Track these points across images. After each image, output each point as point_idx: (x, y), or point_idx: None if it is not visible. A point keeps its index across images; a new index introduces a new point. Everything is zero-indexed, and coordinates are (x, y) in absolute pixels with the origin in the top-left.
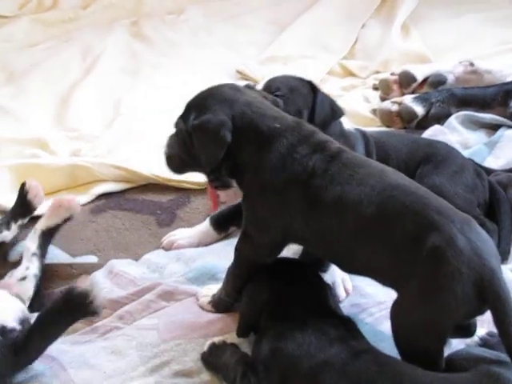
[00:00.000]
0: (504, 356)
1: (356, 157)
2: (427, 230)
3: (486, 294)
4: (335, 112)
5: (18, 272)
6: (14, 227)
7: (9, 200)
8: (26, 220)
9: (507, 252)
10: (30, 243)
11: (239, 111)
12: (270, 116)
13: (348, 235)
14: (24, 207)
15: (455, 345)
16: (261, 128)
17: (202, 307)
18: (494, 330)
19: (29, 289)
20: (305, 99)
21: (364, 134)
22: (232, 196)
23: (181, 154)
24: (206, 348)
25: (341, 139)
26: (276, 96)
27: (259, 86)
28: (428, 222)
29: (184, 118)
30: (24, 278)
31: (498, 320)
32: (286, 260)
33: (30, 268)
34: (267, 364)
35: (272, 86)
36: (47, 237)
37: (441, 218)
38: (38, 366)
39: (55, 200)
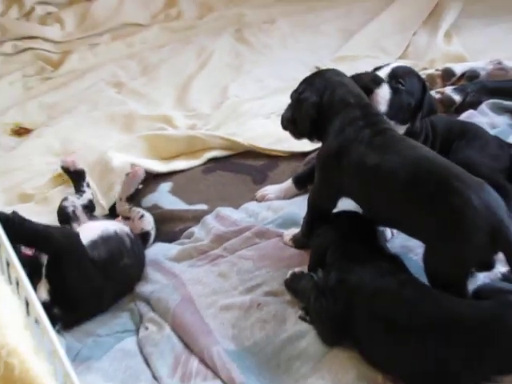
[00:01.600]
0: None
1: (397, 135)
2: (450, 193)
3: (498, 239)
4: (434, 109)
5: (134, 214)
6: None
7: (144, 162)
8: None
9: None
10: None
11: (331, 89)
12: (351, 93)
13: (384, 194)
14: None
15: (482, 280)
16: (340, 100)
17: (285, 243)
18: None
19: (150, 221)
20: (417, 94)
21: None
22: None
23: (288, 118)
24: (288, 275)
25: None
26: (398, 83)
27: (384, 71)
28: (450, 187)
29: (296, 90)
30: (142, 216)
31: (508, 259)
32: (347, 212)
33: (140, 210)
34: (335, 290)
35: (397, 75)
36: (130, 201)
37: (460, 183)
38: (164, 279)
39: (130, 173)
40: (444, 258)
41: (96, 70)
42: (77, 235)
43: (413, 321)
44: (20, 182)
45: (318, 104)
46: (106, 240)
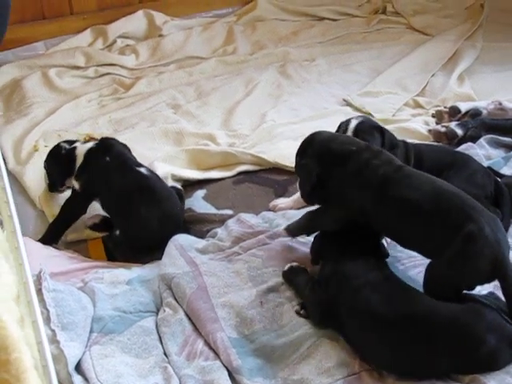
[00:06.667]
0: (489, 299)
1: (413, 170)
2: (466, 220)
3: (498, 269)
4: (394, 143)
5: None
6: None
7: (184, 172)
8: None
9: (506, 230)
10: None
11: (326, 148)
12: (348, 143)
13: (407, 222)
14: None
15: None
16: (340, 151)
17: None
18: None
19: None
20: (377, 141)
21: (406, 143)
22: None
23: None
24: (286, 268)
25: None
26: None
27: (349, 128)
28: (467, 215)
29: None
30: None
31: (504, 288)
32: None
33: None
34: (328, 280)
35: (360, 132)
36: None
37: (475, 212)
38: (186, 266)
39: None
40: (447, 273)
41: (159, 94)
42: None
43: (390, 312)
44: None
45: (319, 171)
46: None
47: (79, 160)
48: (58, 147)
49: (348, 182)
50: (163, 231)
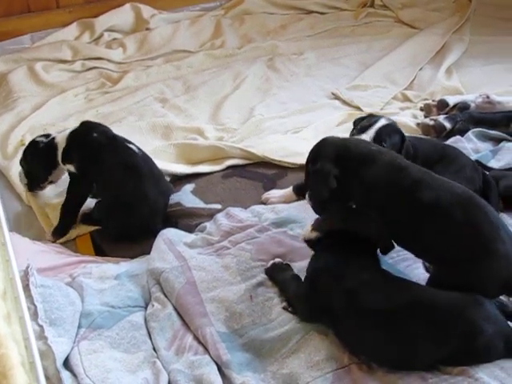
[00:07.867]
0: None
1: (435, 175)
2: (496, 236)
3: (508, 288)
4: (410, 153)
5: None
6: None
7: (172, 166)
8: None
9: None
10: None
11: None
12: (365, 144)
13: (433, 227)
14: None
15: None
16: (361, 152)
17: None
18: None
19: None
20: (396, 146)
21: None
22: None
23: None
24: (269, 264)
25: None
26: (381, 142)
27: (369, 133)
28: (497, 232)
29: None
30: None
31: None
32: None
33: None
34: (315, 280)
35: (380, 136)
36: None
37: (504, 231)
38: (175, 261)
39: None
40: (456, 283)
41: (146, 88)
42: None
43: (391, 306)
44: None
45: (337, 173)
46: None
47: (61, 146)
48: (34, 142)
49: (374, 182)
50: (149, 201)
